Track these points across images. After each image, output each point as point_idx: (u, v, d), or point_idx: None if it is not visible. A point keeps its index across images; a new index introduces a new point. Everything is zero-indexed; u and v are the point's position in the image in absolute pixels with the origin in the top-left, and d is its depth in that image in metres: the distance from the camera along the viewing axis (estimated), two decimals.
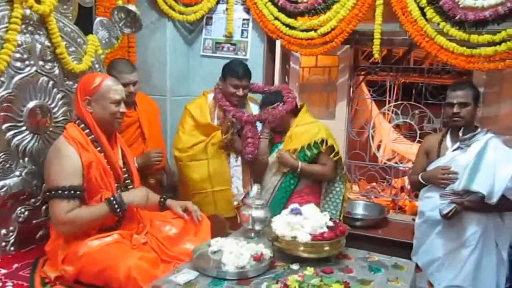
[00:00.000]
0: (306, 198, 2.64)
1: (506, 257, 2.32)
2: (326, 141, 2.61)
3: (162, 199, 2.30)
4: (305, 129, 2.68)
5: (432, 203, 2.41)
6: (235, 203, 2.78)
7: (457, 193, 2.29)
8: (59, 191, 1.90)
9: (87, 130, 2.03)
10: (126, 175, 2.17)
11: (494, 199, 2.17)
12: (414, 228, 2.59)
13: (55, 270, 1.95)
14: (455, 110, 2.37)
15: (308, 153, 2.63)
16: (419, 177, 2.50)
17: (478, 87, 3.11)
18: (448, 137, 2.48)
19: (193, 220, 2.21)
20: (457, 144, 2.39)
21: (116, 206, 1.96)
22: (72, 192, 1.91)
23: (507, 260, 2.32)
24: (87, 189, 1.97)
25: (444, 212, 2.26)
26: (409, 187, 4.14)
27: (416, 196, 4.07)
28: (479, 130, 2.36)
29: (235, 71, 2.72)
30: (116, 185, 2.07)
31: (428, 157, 2.55)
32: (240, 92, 2.73)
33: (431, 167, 2.48)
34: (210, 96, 2.86)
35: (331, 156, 2.63)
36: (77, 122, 2.05)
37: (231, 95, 2.74)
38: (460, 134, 2.38)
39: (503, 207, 2.25)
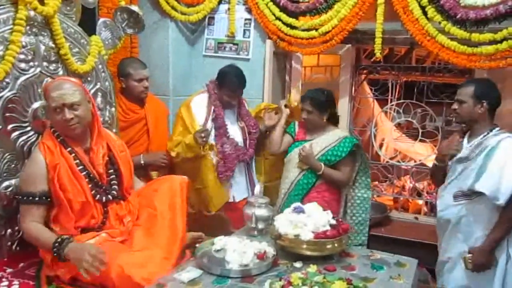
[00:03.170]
0: (323, 193, 2.72)
1: None
2: (359, 145, 2.72)
3: None
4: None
5: (443, 202, 2.38)
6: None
7: (466, 194, 2.25)
8: (19, 196, 1.95)
9: (57, 133, 2.01)
10: (114, 175, 2.12)
11: (501, 200, 2.08)
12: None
13: (50, 270, 1.96)
14: (453, 106, 2.38)
15: (339, 151, 2.67)
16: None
17: None
18: (467, 135, 2.42)
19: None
20: (470, 144, 2.33)
21: (55, 249, 1.82)
22: (31, 198, 1.91)
23: None
24: (54, 193, 1.93)
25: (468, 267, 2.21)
26: (411, 185, 4.16)
27: (419, 194, 4.10)
28: (490, 131, 2.28)
29: (231, 84, 2.77)
30: (90, 186, 1.99)
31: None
32: (233, 102, 2.83)
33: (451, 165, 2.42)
34: (197, 99, 2.89)
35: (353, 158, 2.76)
36: (50, 125, 2.05)
37: (224, 102, 2.82)
38: (466, 137, 2.37)
39: None
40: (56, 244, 1.82)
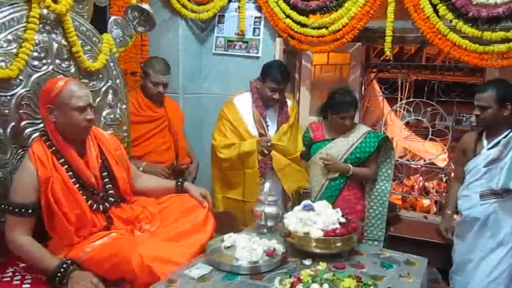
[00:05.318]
0: (354, 191, 2.77)
1: None
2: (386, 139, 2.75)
3: (179, 182, 2.25)
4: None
5: (468, 201, 2.39)
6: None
7: (497, 193, 2.26)
8: (9, 207, 1.85)
9: (49, 142, 1.93)
10: (107, 179, 2.06)
11: None
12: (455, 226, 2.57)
13: None
14: (475, 112, 2.38)
15: (367, 147, 2.68)
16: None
17: None
18: (484, 135, 2.43)
19: (208, 207, 2.16)
20: (492, 143, 2.34)
21: (60, 274, 1.80)
22: (23, 210, 1.84)
23: None
24: (47, 207, 1.86)
25: None
26: (420, 184, 4.15)
27: (427, 193, 4.09)
28: (510, 131, 2.29)
29: (275, 75, 2.68)
30: (85, 196, 1.94)
31: (465, 156, 2.50)
32: (276, 96, 2.72)
33: (469, 165, 2.43)
34: (240, 97, 2.87)
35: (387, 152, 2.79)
36: (41, 133, 1.98)
37: (267, 98, 2.74)
38: (483, 137, 2.38)
39: None
40: (62, 270, 1.80)
